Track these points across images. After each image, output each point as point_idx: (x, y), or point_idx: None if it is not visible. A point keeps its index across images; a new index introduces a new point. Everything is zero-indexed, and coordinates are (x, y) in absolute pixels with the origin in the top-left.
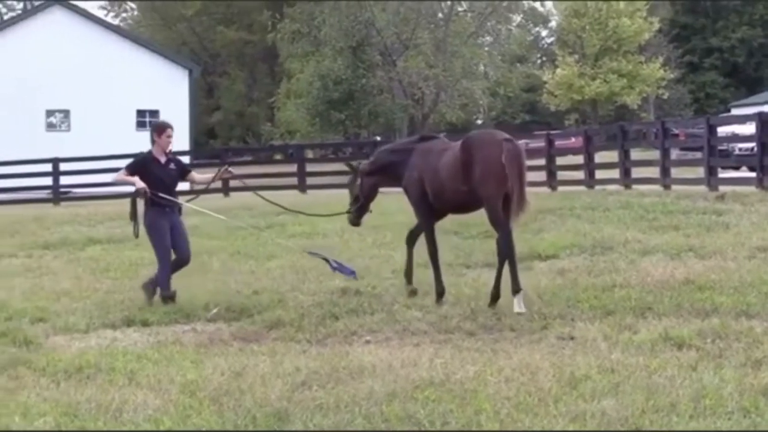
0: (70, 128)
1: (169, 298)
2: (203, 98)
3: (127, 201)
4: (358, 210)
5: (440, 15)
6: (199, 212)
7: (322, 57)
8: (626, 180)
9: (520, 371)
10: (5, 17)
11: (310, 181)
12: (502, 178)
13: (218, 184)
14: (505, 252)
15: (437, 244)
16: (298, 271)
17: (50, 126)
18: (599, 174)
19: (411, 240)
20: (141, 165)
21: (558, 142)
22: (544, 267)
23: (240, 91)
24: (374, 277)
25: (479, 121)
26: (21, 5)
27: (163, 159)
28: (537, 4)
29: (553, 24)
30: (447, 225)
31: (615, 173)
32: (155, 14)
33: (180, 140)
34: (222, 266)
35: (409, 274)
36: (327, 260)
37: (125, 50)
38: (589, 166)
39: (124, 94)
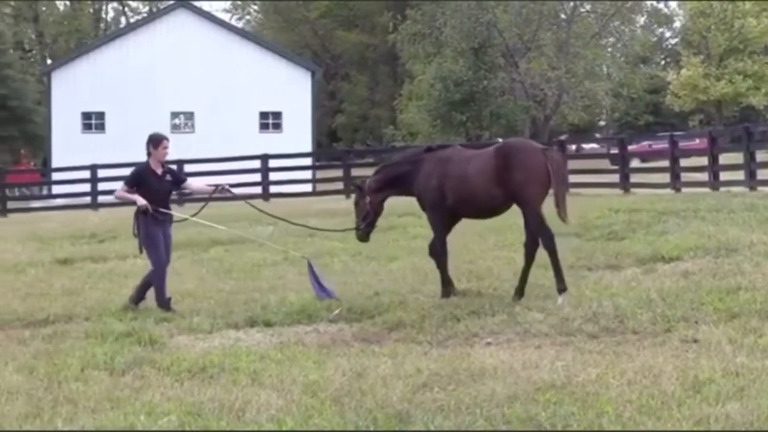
0: (194, 130)
1: (165, 305)
2: (326, 100)
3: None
4: (368, 226)
5: (563, 16)
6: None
7: (443, 58)
8: (752, 182)
9: (642, 374)
10: (131, 20)
11: None
12: (546, 184)
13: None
14: (552, 248)
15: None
16: (420, 273)
17: (175, 127)
18: (724, 176)
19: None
20: (139, 177)
21: (682, 144)
22: (668, 269)
23: (362, 94)
24: (495, 278)
25: (602, 123)
26: (147, 8)
27: (159, 171)
28: (661, 5)
29: (677, 24)
30: (567, 227)
31: (740, 175)
32: (278, 16)
33: (302, 142)
34: (344, 267)
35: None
36: (315, 280)
37: (249, 52)
38: (714, 168)
39: (247, 95)
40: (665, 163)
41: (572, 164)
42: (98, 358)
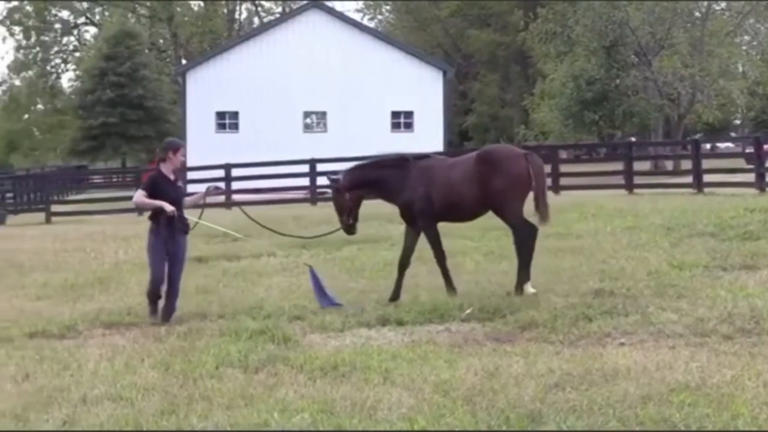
0: (326, 129)
1: (152, 313)
2: (457, 100)
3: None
4: (352, 219)
5: (697, 14)
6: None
7: (575, 57)
8: None
9: None
10: (264, 20)
11: (563, 181)
12: (526, 187)
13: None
14: (532, 247)
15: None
16: (551, 273)
17: (307, 127)
18: None
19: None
20: (154, 185)
21: None
22: None
23: (493, 93)
24: (629, 278)
25: (737, 122)
26: (280, 8)
27: (172, 177)
28: None
29: None
30: (703, 227)
31: None
32: (409, 16)
33: (434, 141)
34: (476, 267)
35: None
36: (317, 286)
37: (380, 52)
38: None
39: (379, 95)
40: None
41: (706, 164)
42: (232, 356)
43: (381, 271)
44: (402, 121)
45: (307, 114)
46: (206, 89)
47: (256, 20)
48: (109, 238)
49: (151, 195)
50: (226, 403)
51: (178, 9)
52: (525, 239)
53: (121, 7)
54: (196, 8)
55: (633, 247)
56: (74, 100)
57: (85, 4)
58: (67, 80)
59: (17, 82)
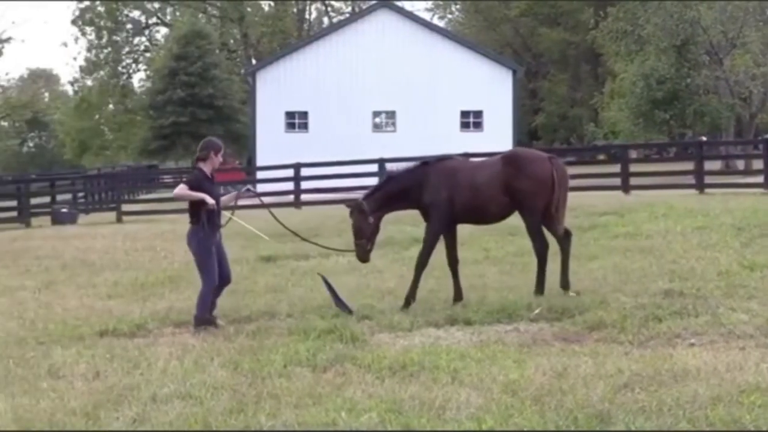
0: (395, 129)
1: (207, 322)
2: (526, 99)
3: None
4: (372, 245)
5: None
6: None
7: (645, 56)
8: None
9: None
10: (334, 20)
11: (633, 181)
12: (550, 192)
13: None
14: (544, 255)
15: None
16: (621, 273)
17: (376, 126)
18: None
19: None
20: (198, 182)
21: None
22: None
23: (562, 92)
24: (699, 279)
25: None
26: (349, 8)
27: (211, 177)
28: None
29: None
30: None
31: None
32: (479, 15)
33: (503, 141)
34: None
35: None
36: (332, 291)
37: (450, 51)
38: None
39: (448, 94)
40: None
41: None
42: (301, 355)
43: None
44: (471, 120)
45: (376, 114)
46: (276, 89)
47: (325, 20)
48: (179, 237)
49: (194, 191)
50: (294, 402)
51: (249, 9)
52: (541, 250)
53: (192, 7)
54: (266, 8)
55: (703, 247)
56: (145, 100)
57: (156, 5)
58: (137, 80)
59: (89, 82)
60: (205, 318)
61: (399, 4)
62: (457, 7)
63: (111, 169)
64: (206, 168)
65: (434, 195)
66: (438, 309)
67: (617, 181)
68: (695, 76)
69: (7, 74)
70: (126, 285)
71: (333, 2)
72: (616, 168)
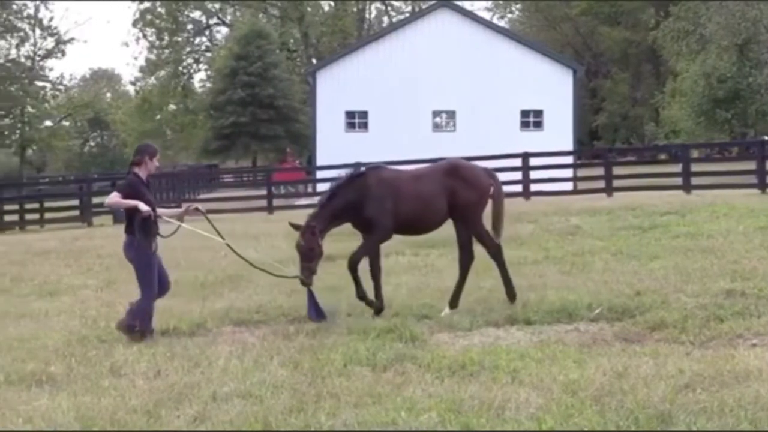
0: (455, 128)
1: (148, 332)
2: (586, 99)
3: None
4: (315, 267)
5: None
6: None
7: (707, 55)
8: None
9: None
10: (394, 20)
11: (695, 181)
12: (485, 202)
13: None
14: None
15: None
16: (682, 273)
17: (436, 126)
18: None
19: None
20: (134, 188)
21: None
22: None
23: (624, 92)
24: (761, 279)
25: None
26: (409, 7)
27: (146, 181)
28: None
29: None
30: None
31: None
32: (539, 15)
33: (563, 140)
34: (604, 266)
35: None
36: (312, 300)
37: (509, 50)
38: None
39: (508, 94)
40: None
41: None
42: (360, 354)
43: (509, 270)
44: (531, 120)
45: (436, 113)
46: (336, 89)
47: (385, 19)
48: (239, 237)
49: (129, 198)
50: (353, 401)
51: (309, 9)
52: (470, 262)
53: (253, 7)
54: (326, 8)
55: (766, 247)
56: (205, 100)
57: (216, 5)
58: (198, 80)
59: (151, 80)
60: (148, 329)
61: (459, 3)
62: (517, 6)
63: (172, 168)
64: (141, 173)
65: (378, 206)
66: (497, 309)
67: (678, 180)
68: (757, 75)
69: (70, 74)
70: (186, 284)
71: (393, 2)
72: (677, 168)
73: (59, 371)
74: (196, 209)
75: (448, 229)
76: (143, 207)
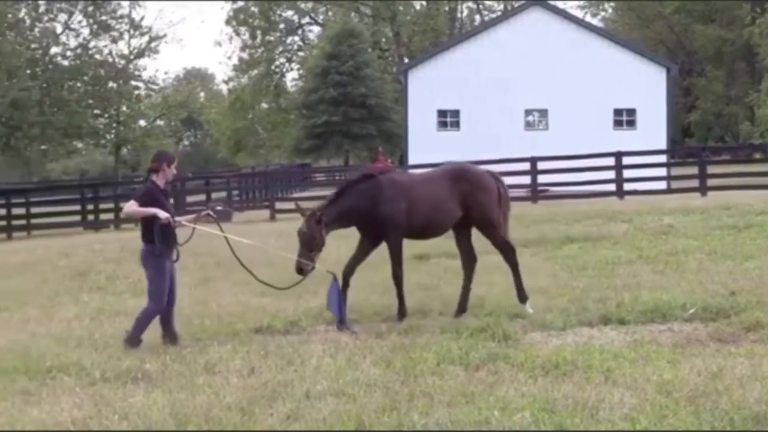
0: (547, 127)
1: (137, 342)
2: (680, 97)
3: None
4: (314, 257)
5: None
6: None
7: None
8: None
9: None
10: (485, 18)
11: None
12: (498, 204)
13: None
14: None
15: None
16: None
17: (528, 125)
18: None
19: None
20: (152, 197)
21: None
22: None
23: (718, 90)
24: None
25: None
26: (501, 6)
27: (164, 189)
28: None
29: None
30: None
31: None
32: (632, 13)
33: (657, 139)
34: (698, 266)
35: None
36: (336, 296)
37: (602, 49)
38: None
39: (600, 93)
40: None
41: None
42: (453, 353)
43: (603, 269)
44: (624, 118)
45: (528, 112)
46: (428, 88)
47: (477, 18)
48: (331, 235)
49: (146, 206)
50: (446, 401)
51: (401, 8)
52: (515, 258)
53: (345, 6)
54: (418, 7)
55: None
56: (297, 99)
57: (309, 4)
58: (290, 79)
59: (244, 80)
60: (137, 338)
61: (551, 2)
62: (610, 4)
63: (265, 167)
64: (159, 180)
65: (393, 206)
66: (591, 308)
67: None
68: None
69: (165, 73)
70: (279, 283)
71: (485, 1)
72: None
73: (154, 368)
74: (208, 215)
75: (538, 230)
76: (162, 214)
